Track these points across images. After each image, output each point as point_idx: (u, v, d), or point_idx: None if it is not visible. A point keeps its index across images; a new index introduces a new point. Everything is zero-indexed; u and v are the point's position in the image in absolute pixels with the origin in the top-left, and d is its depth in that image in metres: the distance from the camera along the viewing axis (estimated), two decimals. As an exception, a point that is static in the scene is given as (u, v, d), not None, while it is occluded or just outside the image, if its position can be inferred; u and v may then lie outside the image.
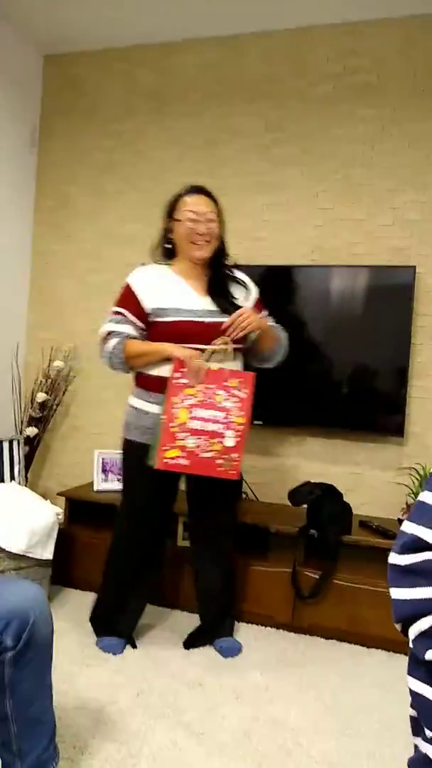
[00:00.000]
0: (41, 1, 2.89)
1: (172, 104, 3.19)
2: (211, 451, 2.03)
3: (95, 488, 2.98)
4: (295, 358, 2.87)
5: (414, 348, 2.76)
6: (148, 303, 2.12)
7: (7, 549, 2.41)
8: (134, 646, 2.28)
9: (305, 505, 2.58)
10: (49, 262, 3.44)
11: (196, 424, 2.01)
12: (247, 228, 3.04)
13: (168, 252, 2.22)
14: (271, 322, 2.30)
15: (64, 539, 2.71)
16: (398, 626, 0.81)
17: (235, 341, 2.11)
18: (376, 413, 2.77)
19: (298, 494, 2.59)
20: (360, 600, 2.39)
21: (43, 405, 3.23)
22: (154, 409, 2.10)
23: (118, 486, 3.01)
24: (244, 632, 2.45)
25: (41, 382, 3.26)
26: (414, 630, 0.75)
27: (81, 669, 2.10)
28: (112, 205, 3.30)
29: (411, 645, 0.77)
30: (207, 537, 2.32)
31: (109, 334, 2.15)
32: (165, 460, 2.00)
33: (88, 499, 2.92)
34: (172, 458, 2.01)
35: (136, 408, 2.17)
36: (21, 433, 3.21)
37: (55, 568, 2.63)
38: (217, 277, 2.19)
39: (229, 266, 2.25)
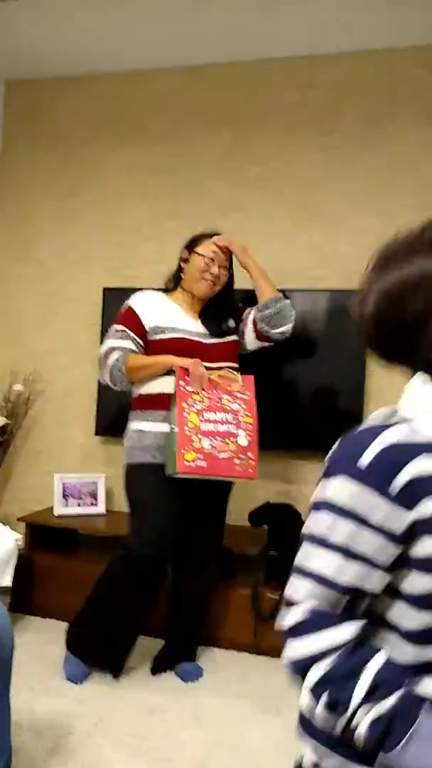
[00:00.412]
0: (2, 26, 2.92)
1: (134, 131, 3.24)
2: (227, 451, 2.05)
3: (56, 513, 2.95)
4: (255, 379, 2.91)
5: (369, 370, 2.82)
6: (147, 321, 2.21)
7: (-37, 576, 2.37)
8: (117, 676, 2.23)
9: (266, 526, 2.60)
10: (8, 285, 3.43)
11: (208, 426, 2.05)
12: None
13: (176, 280, 2.35)
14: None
15: (25, 565, 2.67)
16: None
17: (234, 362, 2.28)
18: (335, 434, 2.81)
19: (258, 515, 2.61)
20: (320, 620, 2.40)
21: (2, 429, 3.19)
22: (155, 427, 2.16)
23: (78, 510, 3.00)
24: (206, 655, 2.45)
25: (1, 405, 3.23)
26: (305, 687, 0.77)
27: (39, 698, 2.07)
28: (75, 228, 3.32)
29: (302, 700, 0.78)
30: (195, 558, 2.30)
31: (111, 349, 2.20)
32: (185, 463, 2.00)
33: (49, 524, 2.89)
34: (192, 461, 2.01)
35: (137, 430, 2.20)
36: (-20, 457, 3.16)
37: (14, 594, 2.59)
38: (212, 303, 2.31)
39: (230, 301, 2.38)
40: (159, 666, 2.31)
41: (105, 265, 3.26)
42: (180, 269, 2.33)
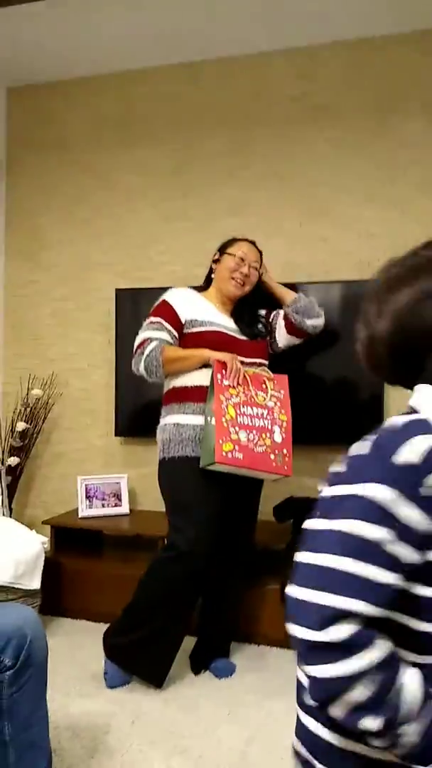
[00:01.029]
0: (2, 33, 2.93)
1: (138, 132, 3.24)
2: (263, 445, 2.06)
3: (80, 515, 2.97)
4: (274, 374, 2.91)
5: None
6: (183, 314, 2.24)
7: (-7, 582, 2.39)
8: (160, 686, 2.16)
9: (291, 521, 2.59)
10: (23, 292, 3.45)
11: (245, 420, 2.06)
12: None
13: (208, 281, 2.39)
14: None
15: (52, 568, 2.69)
16: (314, 702, 0.75)
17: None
18: (356, 425, 2.81)
19: (283, 510, 2.61)
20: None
21: (23, 434, 3.22)
22: (192, 420, 2.16)
23: (102, 511, 3.02)
24: (238, 652, 2.45)
25: (20, 411, 3.25)
26: (345, 705, 0.70)
27: (74, 699, 2.09)
28: (84, 233, 3.33)
29: (333, 713, 0.72)
30: (229, 555, 2.30)
31: (146, 341, 2.21)
32: (223, 453, 1.98)
33: (74, 525, 2.91)
34: (229, 452, 2.00)
35: (175, 423, 2.20)
36: (2, 463, 3.19)
37: (43, 597, 2.61)
38: (243, 305, 2.36)
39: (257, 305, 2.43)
40: (196, 664, 2.31)
41: (116, 269, 3.26)
42: (211, 270, 2.37)
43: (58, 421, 3.35)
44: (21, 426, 3.19)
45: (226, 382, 2.07)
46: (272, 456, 2.07)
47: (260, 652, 2.46)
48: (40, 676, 1.41)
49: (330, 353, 2.83)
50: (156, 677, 2.16)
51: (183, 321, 2.23)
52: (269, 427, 2.09)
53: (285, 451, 2.10)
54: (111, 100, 3.29)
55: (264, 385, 2.15)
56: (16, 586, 2.44)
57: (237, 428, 2.04)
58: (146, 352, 2.18)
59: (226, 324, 2.28)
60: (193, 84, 3.15)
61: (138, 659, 2.15)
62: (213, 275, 2.36)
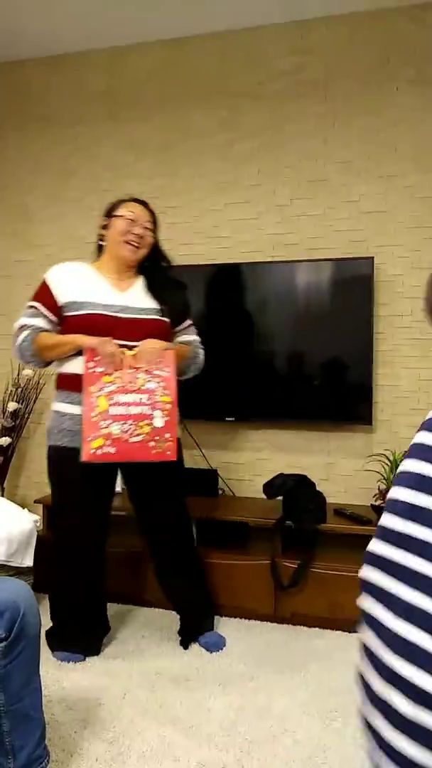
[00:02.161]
0: (-11, 9, 2.88)
1: (126, 108, 3.21)
2: (140, 434, 1.98)
3: (72, 494, 2.98)
4: (263, 353, 2.92)
5: (377, 337, 2.82)
6: (61, 297, 2.11)
7: (-14, 560, 2.41)
8: (97, 653, 2.26)
9: (280, 497, 2.62)
10: (11, 272, 3.43)
11: (119, 410, 1.97)
12: (209, 227, 3.08)
13: (99, 251, 2.25)
14: (192, 334, 2.33)
15: (44, 546, 2.70)
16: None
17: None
18: (345, 403, 2.83)
19: (273, 487, 2.63)
20: (339, 586, 2.44)
21: (14, 414, 3.22)
22: (71, 409, 2.08)
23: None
24: (227, 626, 2.49)
25: (11, 391, 3.25)
26: None
27: (66, 673, 2.12)
28: (72, 210, 3.31)
29: None
30: (161, 534, 2.28)
31: (21, 327, 2.14)
32: (91, 451, 1.94)
33: (66, 505, 2.92)
34: (98, 448, 1.95)
35: (56, 411, 2.15)
36: (-6, 443, 3.20)
37: (36, 575, 2.63)
38: (153, 279, 2.22)
39: (167, 273, 2.28)
40: (183, 639, 2.34)
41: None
42: (101, 238, 2.23)
43: (48, 401, 3.34)
44: (12, 406, 3.19)
45: (99, 369, 1.98)
46: (152, 443, 1.99)
47: (249, 626, 2.50)
48: (33, 649, 1.44)
49: (322, 332, 2.83)
50: (88, 649, 2.24)
51: (60, 304, 2.11)
52: (148, 412, 1.99)
53: (167, 435, 2.00)
54: (98, 75, 3.24)
55: (146, 367, 2.03)
56: (9, 563, 2.46)
57: (109, 421, 1.96)
58: (18, 341, 2.13)
59: (112, 302, 2.11)
60: (180, 60, 3.11)
61: (71, 638, 2.23)
62: (103, 243, 2.21)
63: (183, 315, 2.28)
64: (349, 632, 2.44)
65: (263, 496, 2.67)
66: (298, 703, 1.96)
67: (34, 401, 3.29)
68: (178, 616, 2.38)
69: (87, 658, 2.21)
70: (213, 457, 3.06)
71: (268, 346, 2.91)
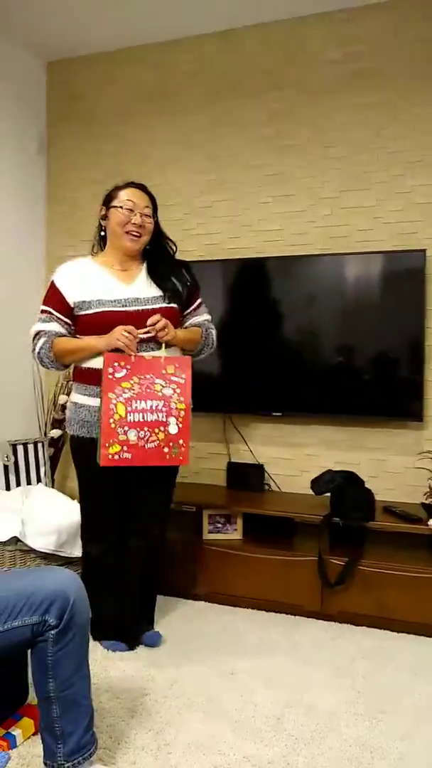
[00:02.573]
0: (41, 9, 2.93)
1: (174, 103, 3.21)
2: (155, 440, 2.02)
3: (120, 486, 3.02)
4: (311, 348, 2.89)
5: (428, 331, 2.75)
6: (70, 298, 2.12)
7: (37, 549, 2.47)
8: (132, 648, 2.24)
9: (328, 494, 2.59)
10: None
11: (136, 417, 2.00)
12: (257, 221, 3.06)
13: (101, 242, 2.24)
14: (202, 315, 2.30)
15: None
16: None
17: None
18: (395, 399, 2.78)
19: (321, 483, 2.60)
20: (387, 585, 2.40)
21: (65, 407, 3.27)
22: (89, 401, 2.12)
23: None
24: (274, 622, 2.48)
25: (62, 384, 3.31)
26: None
27: (113, 663, 2.15)
28: (122, 206, 3.33)
29: None
30: (139, 521, 2.24)
31: (38, 334, 2.16)
32: (109, 457, 1.99)
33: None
34: (116, 453, 1.99)
35: (73, 402, 2.19)
36: (45, 435, 3.27)
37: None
38: (154, 265, 2.20)
39: (170, 255, 2.26)
40: (122, 637, 2.27)
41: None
42: (101, 228, 2.22)
43: (98, 394, 3.39)
44: (63, 399, 3.25)
45: (118, 375, 2.00)
46: (166, 449, 2.03)
47: (296, 622, 2.48)
48: (82, 637, 1.47)
49: (371, 326, 2.78)
50: (123, 639, 2.25)
51: (72, 305, 2.12)
52: (164, 420, 2.02)
53: (181, 441, 2.05)
54: (147, 72, 3.26)
55: (164, 371, 2.05)
56: (58, 553, 2.52)
57: (126, 428, 1.99)
58: (36, 348, 2.15)
59: (121, 296, 2.11)
60: (230, 52, 3.10)
61: (106, 628, 2.25)
62: (104, 234, 2.21)
63: (189, 297, 2.24)
64: (398, 632, 2.40)
65: (310, 492, 2.65)
66: (344, 701, 1.94)
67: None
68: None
69: (135, 649, 2.24)
70: (260, 452, 3.05)
71: (317, 341, 2.87)
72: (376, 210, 2.87)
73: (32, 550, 2.48)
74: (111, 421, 1.99)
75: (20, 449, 3.02)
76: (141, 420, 2.01)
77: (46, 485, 3.03)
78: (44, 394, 3.36)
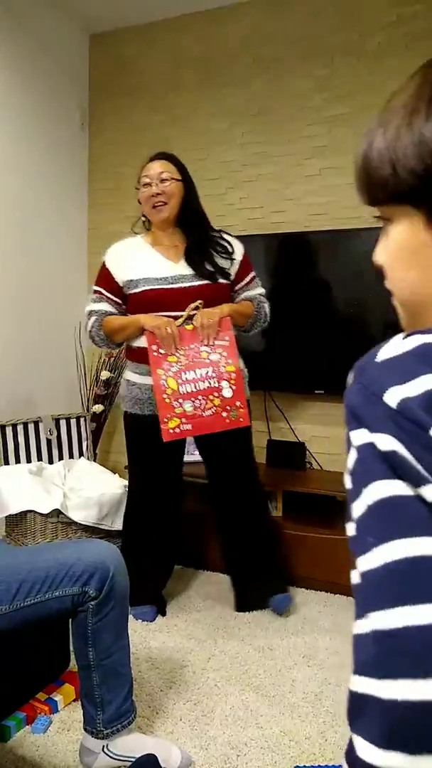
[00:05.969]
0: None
1: (220, 73, 3.15)
2: (212, 407, 2.03)
3: (161, 461, 3.04)
4: (356, 324, 2.82)
5: None
6: (120, 277, 2.17)
7: (79, 521, 2.51)
8: (163, 614, 2.31)
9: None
10: (105, 242, 3.48)
11: (188, 388, 2.03)
12: (306, 194, 2.99)
13: (149, 221, 2.26)
14: (254, 289, 2.28)
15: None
16: None
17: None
18: None
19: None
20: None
21: (107, 382, 3.30)
22: (140, 380, 2.16)
23: (186, 458, 3.07)
24: (314, 599, 2.47)
25: (105, 360, 3.33)
26: None
27: (153, 634, 2.17)
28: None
29: None
30: (228, 495, 2.29)
31: (89, 314, 2.21)
32: (170, 431, 2.02)
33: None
34: (176, 427, 2.02)
35: (126, 380, 2.24)
36: (88, 410, 3.30)
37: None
38: (193, 241, 2.18)
39: (210, 229, 2.23)
40: (242, 605, 2.34)
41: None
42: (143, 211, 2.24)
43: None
44: (105, 375, 3.27)
45: (162, 351, 2.03)
46: (224, 414, 2.03)
47: (335, 600, 2.46)
48: (121, 608, 1.48)
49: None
50: (150, 602, 2.29)
51: (121, 284, 2.16)
52: (216, 385, 2.03)
53: (238, 403, 2.05)
54: (190, 42, 3.20)
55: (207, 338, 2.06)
56: (100, 526, 2.55)
57: (180, 400, 2.01)
58: (88, 327, 2.21)
59: (166, 273, 2.11)
60: (276, 18, 3.01)
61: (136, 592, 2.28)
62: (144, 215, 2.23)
63: (240, 272, 2.23)
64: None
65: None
66: (384, 681, 1.91)
67: (126, 370, 3.35)
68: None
69: (174, 622, 2.26)
70: (302, 430, 3.01)
71: (363, 317, 2.80)
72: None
73: (74, 523, 2.52)
74: (164, 396, 2.02)
75: (63, 424, 3.06)
76: (194, 390, 2.03)
77: (88, 459, 3.07)
78: (87, 370, 3.39)
